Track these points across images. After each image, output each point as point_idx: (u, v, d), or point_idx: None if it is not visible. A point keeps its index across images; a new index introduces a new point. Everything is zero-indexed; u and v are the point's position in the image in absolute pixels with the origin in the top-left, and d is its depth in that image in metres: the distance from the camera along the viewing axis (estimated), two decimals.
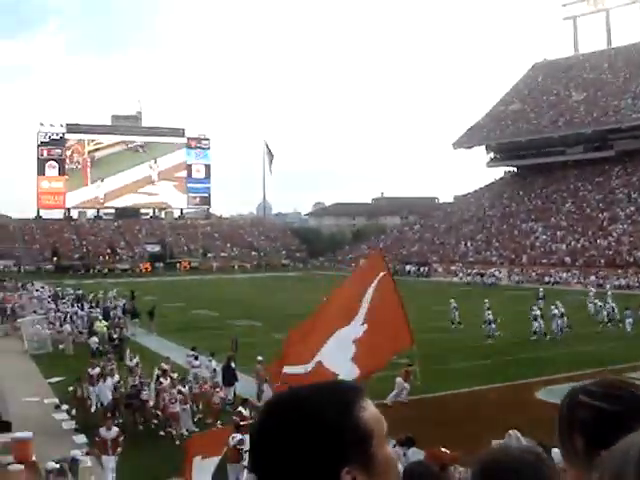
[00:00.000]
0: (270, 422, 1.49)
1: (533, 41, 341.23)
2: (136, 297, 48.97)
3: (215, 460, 13.93)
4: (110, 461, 16.01)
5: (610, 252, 73.08)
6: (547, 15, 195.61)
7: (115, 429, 16.52)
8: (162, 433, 19.98)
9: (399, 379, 22.31)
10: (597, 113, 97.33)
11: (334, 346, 14.38)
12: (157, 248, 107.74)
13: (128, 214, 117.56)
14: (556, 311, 35.77)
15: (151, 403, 20.96)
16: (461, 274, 78.74)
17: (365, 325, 14.94)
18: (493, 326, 35.24)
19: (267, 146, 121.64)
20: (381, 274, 15.67)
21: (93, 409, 21.97)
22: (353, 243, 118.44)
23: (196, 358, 25.84)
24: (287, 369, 14.62)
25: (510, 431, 10.22)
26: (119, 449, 16.27)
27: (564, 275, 70.73)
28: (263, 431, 1.49)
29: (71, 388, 22.34)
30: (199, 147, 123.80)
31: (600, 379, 1.91)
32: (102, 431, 16.46)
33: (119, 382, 22.43)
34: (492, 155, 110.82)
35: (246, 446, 14.90)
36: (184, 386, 21.37)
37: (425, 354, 24.82)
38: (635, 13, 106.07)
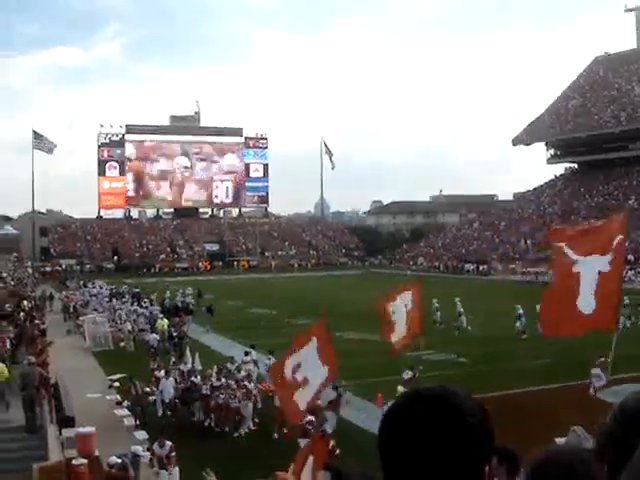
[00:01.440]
0: (423, 419, 1.54)
1: (594, 34, 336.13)
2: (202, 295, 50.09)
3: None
4: (165, 476, 15.93)
5: None
6: (608, 7, 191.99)
7: (168, 444, 16.07)
8: (218, 429, 20.20)
9: None
10: None
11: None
12: (216, 247, 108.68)
13: (187, 213, 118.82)
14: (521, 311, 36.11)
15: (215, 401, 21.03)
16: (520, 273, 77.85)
17: (611, 265, 14.23)
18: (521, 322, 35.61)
19: (325, 144, 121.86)
20: (620, 236, 14.38)
21: (160, 412, 22.04)
22: (411, 241, 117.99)
23: (246, 354, 25.96)
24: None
25: (574, 427, 10.05)
26: (172, 466, 16.05)
27: (628, 273, 69.43)
28: (414, 428, 1.54)
29: (125, 386, 22.84)
30: (257, 146, 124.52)
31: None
32: (156, 448, 16.23)
33: (178, 380, 22.64)
34: (552, 152, 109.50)
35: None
36: (249, 382, 21.51)
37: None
38: None
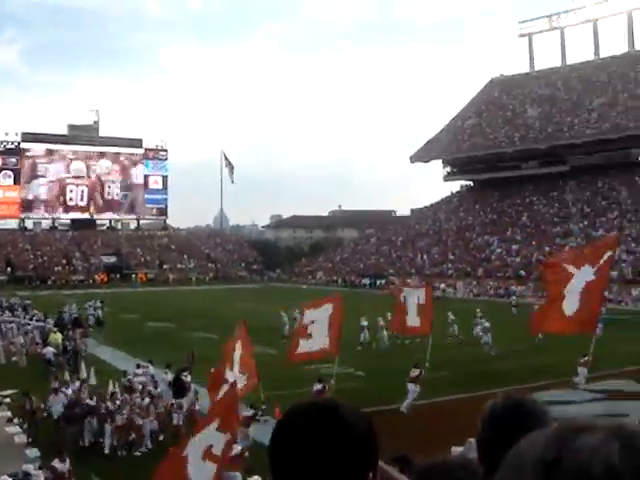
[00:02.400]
0: (310, 430, 1.61)
1: (490, 57, 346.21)
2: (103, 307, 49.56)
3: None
4: None
5: None
6: (504, 32, 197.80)
7: (68, 460, 15.87)
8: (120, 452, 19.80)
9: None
10: (551, 129, 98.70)
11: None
12: (113, 259, 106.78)
13: (84, 225, 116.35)
14: (487, 324, 37.26)
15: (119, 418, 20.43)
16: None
17: (596, 275, 17.81)
18: None
19: (226, 157, 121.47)
20: (609, 253, 18.29)
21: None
22: (310, 256, 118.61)
23: (138, 367, 25.69)
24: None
25: (470, 439, 10.34)
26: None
27: (519, 288, 71.36)
28: (302, 438, 1.60)
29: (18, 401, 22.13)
30: (157, 158, 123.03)
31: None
32: (57, 464, 15.76)
33: (74, 395, 22.05)
34: (449, 169, 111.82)
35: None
36: (143, 399, 21.15)
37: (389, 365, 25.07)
38: (588, 32, 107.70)
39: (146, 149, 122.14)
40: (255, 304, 59.82)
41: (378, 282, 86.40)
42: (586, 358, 24.13)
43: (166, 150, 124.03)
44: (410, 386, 23.56)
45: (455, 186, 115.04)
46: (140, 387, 23.02)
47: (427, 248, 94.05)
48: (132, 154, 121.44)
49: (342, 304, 22.58)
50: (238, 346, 18.59)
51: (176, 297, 74.09)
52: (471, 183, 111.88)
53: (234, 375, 17.70)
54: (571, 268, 18.14)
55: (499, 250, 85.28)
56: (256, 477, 14.05)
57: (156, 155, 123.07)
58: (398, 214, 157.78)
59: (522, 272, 76.29)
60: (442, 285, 75.07)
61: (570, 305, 17.86)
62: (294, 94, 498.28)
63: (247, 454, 16.12)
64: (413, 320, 24.36)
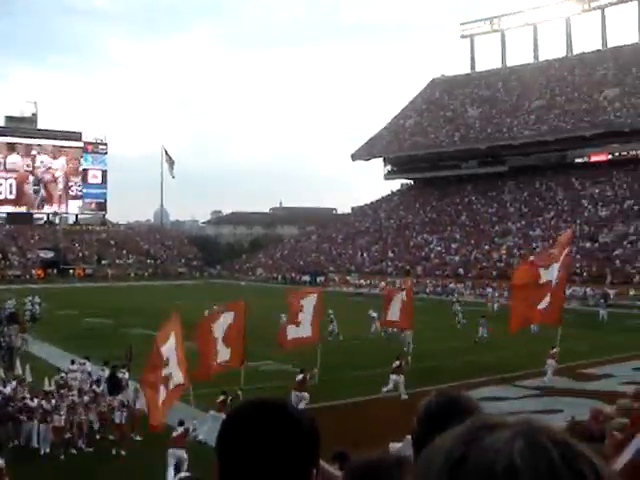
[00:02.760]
0: (258, 425, 1.66)
1: (432, 57, 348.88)
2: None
3: None
4: None
5: (501, 264, 75.05)
6: (447, 33, 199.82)
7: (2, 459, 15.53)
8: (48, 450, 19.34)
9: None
10: (491, 129, 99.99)
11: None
12: (50, 254, 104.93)
13: (20, 219, 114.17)
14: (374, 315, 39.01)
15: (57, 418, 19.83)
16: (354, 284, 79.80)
17: (559, 271, 21.10)
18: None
19: (166, 152, 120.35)
20: (567, 249, 21.72)
21: None
22: (250, 252, 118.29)
23: (72, 363, 25.34)
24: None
25: (408, 436, 10.42)
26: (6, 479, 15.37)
27: (457, 286, 72.16)
28: (250, 433, 1.65)
29: None
30: (96, 152, 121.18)
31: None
32: None
33: (11, 392, 21.47)
34: (389, 168, 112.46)
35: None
36: (80, 396, 20.74)
37: (327, 362, 25.14)
38: (528, 35, 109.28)
39: (85, 142, 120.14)
40: (194, 301, 59.43)
41: (318, 279, 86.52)
42: (555, 350, 26.29)
43: (106, 144, 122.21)
44: (392, 377, 24.38)
45: (396, 185, 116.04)
46: (76, 384, 22.65)
47: (367, 246, 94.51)
48: (71, 147, 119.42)
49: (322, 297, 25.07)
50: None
51: (114, 293, 73.26)
52: (411, 182, 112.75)
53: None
54: (542, 270, 20.70)
55: (438, 249, 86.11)
56: None
57: (95, 149, 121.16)
58: (339, 212, 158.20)
59: (461, 270, 77.17)
60: (382, 283, 75.53)
61: (542, 299, 20.40)
62: (237, 90, 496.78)
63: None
64: (394, 314, 26.54)
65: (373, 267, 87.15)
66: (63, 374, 23.84)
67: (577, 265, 68.22)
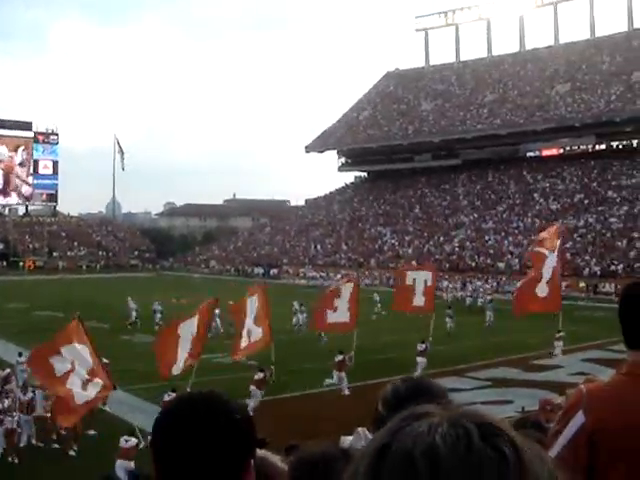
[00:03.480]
0: (192, 418, 1.65)
1: (387, 50, 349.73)
2: None
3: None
4: None
5: (454, 257, 75.67)
6: (401, 26, 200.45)
7: None
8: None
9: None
10: (445, 123, 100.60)
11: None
12: (0, 246, 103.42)
13: None
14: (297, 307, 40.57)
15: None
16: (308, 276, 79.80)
17: (557, 261, 22.54)
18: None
19: (118, 143, 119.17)
20: (559, 240, 23.18)
21: None
22: (203, 244, 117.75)
23: (20, 355, 24.74)
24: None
25: (359, 429, 10.39)
26: None
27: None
28: (184, 426, 1.64)
29: None
30: (47, 142, 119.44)
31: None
32: None
33: None
34: (343, 160, 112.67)
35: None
36: (24, 394, 20.01)
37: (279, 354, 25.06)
38: (482, 30, 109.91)
39: (36, 133, 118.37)
40: (146, 294, 58.93)
41: (271, 271, 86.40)
42: (561, 334, 29.05)
43: (57, 134, 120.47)
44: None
45: (349, 177, 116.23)
46: (24, 378, 22.08)
47: (320, 238, 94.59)
48: (21, 137, 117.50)
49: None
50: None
51: (66, 286, 72.27)
52: (365, 174, 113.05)
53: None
54: (546, 251, 22.32)
55: (392, 241, 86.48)
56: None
57: (46, 139, 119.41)
58: (292, 204, 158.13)
59: (414, 263, 77.52)
60: (339, 276, 75.80)
61: (542, 287, 21.64)
62: (191, 81, 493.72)
63: None
64: (419, 300, 26.69)
65: (326, 259, 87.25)
66: (8, 370, 23.17)
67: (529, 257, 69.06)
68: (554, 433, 2.85)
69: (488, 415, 0.94)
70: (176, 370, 19.16)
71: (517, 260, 69.70)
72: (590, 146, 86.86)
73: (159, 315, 40.97)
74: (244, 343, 22.10)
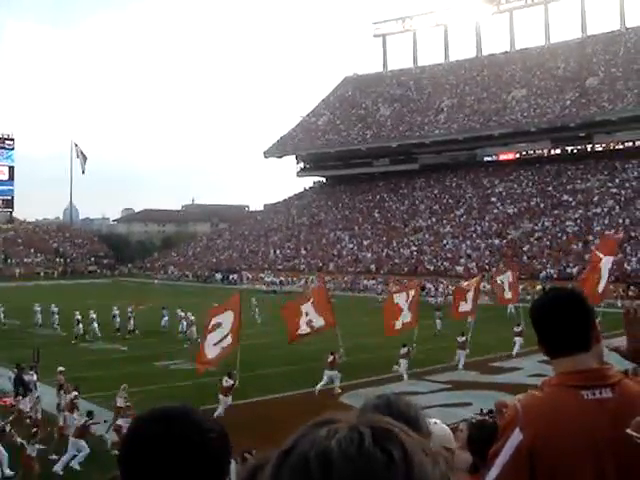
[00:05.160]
0: (164, 435, 1.58)
1: (345, 56, 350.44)
2: None
3: None
4: None
5: (412, 261, 76.09)
6: (359, 31, 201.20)
7: None
8: None
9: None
10: (403, 128, 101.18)
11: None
12: None
13: None
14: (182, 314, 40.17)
15: None
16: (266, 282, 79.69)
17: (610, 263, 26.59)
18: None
19: (77, 147, 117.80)
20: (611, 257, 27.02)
21: None
22: (162, 250, 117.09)
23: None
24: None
25: None
26: None
27: (370, 282, 72.80)
28: (156, 444, 1.57)
29: None
30: (2, 147, 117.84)
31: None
32: None
33: None
34: (302, 165, 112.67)
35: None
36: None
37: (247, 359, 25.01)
38: (439, 35, 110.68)
39: None
40: (104, 300, 58.43)
41: (231, 277, 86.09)
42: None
43: (13, 139, 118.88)
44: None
45: (308, 182, 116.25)
46: None
47: (280, 243, 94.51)
48: None
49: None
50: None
51: (22, 293, 71.32)
52: (324, 179, 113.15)
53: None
54: (601, 255, 25.74)
55: (350, 246, 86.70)
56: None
57: (2, 144, 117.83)
58: (251, 209, 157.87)
59: (373, 267, 77.87)
60: (303, 281, 76.10)
61: (601, 285, 24.97)
62: (149, 85, 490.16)
63: None
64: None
65: (286, 264, 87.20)
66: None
67: (486, 261, 69.76)
68: (493, 453, 2.80)
69: (388, 421, 0.96)
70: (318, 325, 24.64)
71: (474, 263, 70.32)
72: (546, 151, 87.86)
73: (118, 320, 40.72)
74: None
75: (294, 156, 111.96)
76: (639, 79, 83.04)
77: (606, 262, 25.66)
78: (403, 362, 27.04)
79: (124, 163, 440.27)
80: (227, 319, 22.48)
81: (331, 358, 25.06)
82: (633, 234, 65.53)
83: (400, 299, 28.47)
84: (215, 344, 22.03)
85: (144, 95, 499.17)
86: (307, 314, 24.61)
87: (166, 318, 42.37)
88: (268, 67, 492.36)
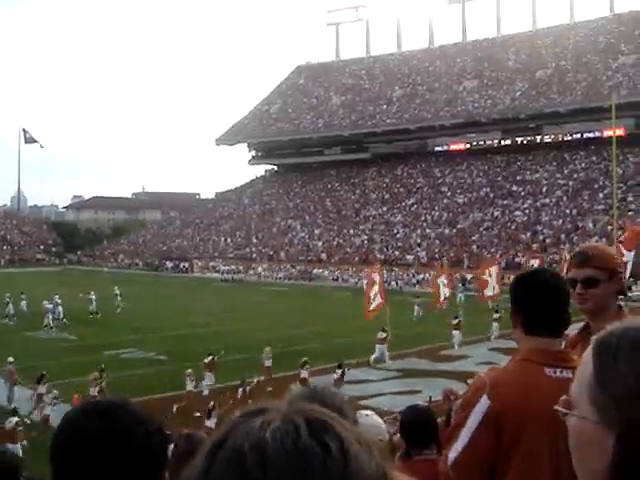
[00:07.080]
0: (96, 430, 1.52)
1: (298, 44, 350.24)
2: None
3: None
4: None
5: (363, 250, 76.39)
6: (313, 20, 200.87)
7: None
8: None
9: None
10: (355, 117, 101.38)
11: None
12: None
13: None
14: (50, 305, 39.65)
15: None
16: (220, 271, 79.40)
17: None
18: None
19: (25, 132, 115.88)
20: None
21: None
22: (112, 238, 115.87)
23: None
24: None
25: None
26: None
27: (320, 271, 72.96)
28: (88, 439, 1.50)
29: None
30: None
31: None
32: None
33: None
34: (254, 153, 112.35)
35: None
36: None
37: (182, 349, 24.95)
38: (392, 25, 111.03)
39: None
40: (52, 288, 57.71)
41: (182, 265, 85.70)
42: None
43: None
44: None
45: (260, 170, 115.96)
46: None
47: (231, 231, 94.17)
48: None
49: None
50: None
51: None
52: (275, 167, 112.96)
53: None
54: (624, 250, 25.39)
55: (302, 234, 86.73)
56: None
57: None
58: (202, 197, 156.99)
59: (324, 256, 78.00)
60: (259, 269, 76.16)
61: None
62: (99, 70, 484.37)
63: None
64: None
65: (237, 252, 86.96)
66: None
67: (437, 250, 70.31)
68: (456, 423, 3.01)
69: (321, 412, 0.96)
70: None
71: (425, 253, 70.86)
72: (496, 141, 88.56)
73: (59, 309, 40.21)
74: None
75: (246, 144, 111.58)
76: (588, 72, 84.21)
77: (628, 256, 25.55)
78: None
79: (74, 150, 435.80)
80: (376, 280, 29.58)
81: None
82: (580, 224, 66.55)
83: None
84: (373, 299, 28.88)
85: (94, 81, 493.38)
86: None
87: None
88: (220, 54, 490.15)
